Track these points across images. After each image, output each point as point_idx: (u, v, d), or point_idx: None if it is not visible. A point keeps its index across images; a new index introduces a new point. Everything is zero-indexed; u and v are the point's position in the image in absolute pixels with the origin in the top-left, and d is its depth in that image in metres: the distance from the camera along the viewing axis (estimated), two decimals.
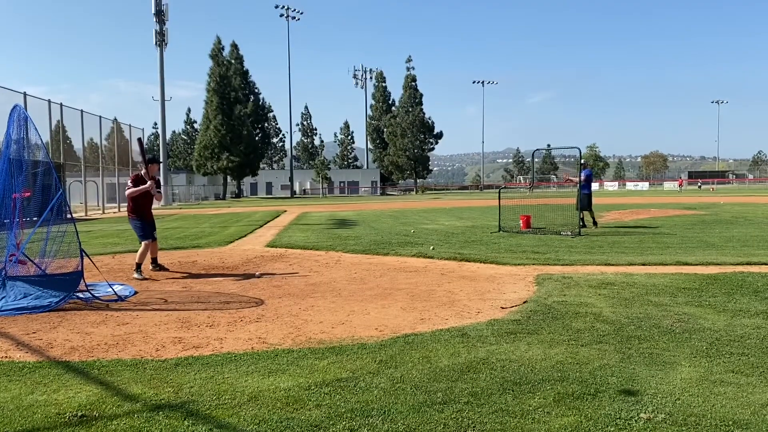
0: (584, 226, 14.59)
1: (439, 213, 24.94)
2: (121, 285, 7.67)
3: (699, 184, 73.80)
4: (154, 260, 9.12)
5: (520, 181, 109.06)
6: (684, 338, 4.85)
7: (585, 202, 14.96)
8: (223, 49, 66.89)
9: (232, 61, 68.06)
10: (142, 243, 8.74)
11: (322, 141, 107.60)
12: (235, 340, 5.05)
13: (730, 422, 3.24)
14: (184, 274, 8.84)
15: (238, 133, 64.82)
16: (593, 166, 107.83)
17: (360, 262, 9.85)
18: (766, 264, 8.75)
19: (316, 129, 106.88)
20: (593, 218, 15.35)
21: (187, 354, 4.62)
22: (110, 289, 7.10)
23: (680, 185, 73.80)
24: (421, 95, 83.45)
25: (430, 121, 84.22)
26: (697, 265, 8.80)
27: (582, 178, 15.07)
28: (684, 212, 21.99)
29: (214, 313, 6.10)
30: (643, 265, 8.88)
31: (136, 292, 7.33)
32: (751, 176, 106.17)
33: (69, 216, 7.57)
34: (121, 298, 6.87)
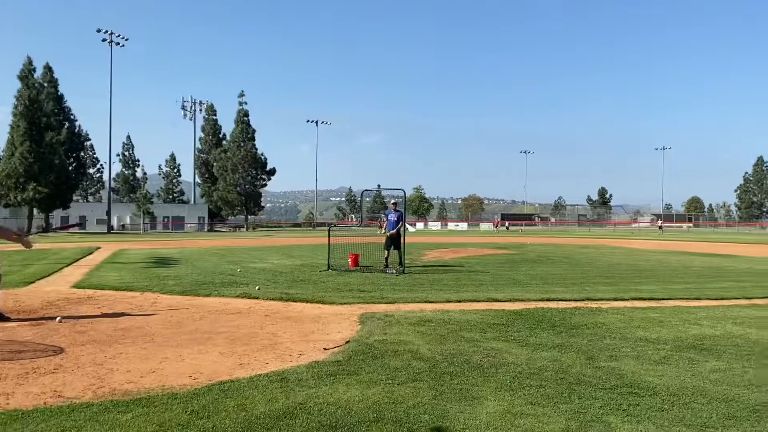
0: (387, 265, 14.86)
1: (269, 251, 24.56)
2: None
3: (507, 225, 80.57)
4: None
5: (351, 219, 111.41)
6: (491, 373, 5.16)
7: (395, 241, 15.17)
8: (34, 70, 61.08)
9: (45, 84, 62.39)
10: None
11: (145, 173, 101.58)
12: (24, 394, 4.47)
13: None
14: None
15: (48, 162, 59.09)
16: (418, 207, 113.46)
17: (179, 304, 9.32)
18: (563, 300, 9.68)
19: (138, 160, 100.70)
20: (401, 259, 15.46)
21: None
22: None
23: (496, 225, 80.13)
24: (254, 130, 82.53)
25: (262, 157, 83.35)
26: (505, 301, 9.51)
27: (393, 218, 15.33)
28: (496, 252, 23.79)
29: (1, 365, 5.37)
30: (459, 302, 9.41)
31: None
32: (553, 219, 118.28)
33: None
34: None
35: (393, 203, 16.21)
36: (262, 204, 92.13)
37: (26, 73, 60.10)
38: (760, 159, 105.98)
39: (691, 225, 79.75)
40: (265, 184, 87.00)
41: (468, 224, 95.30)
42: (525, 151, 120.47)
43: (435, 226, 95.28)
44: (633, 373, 5.22)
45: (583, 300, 9.72)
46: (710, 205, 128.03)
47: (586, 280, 12.78)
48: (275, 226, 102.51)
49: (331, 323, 7.62)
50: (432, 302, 9.34)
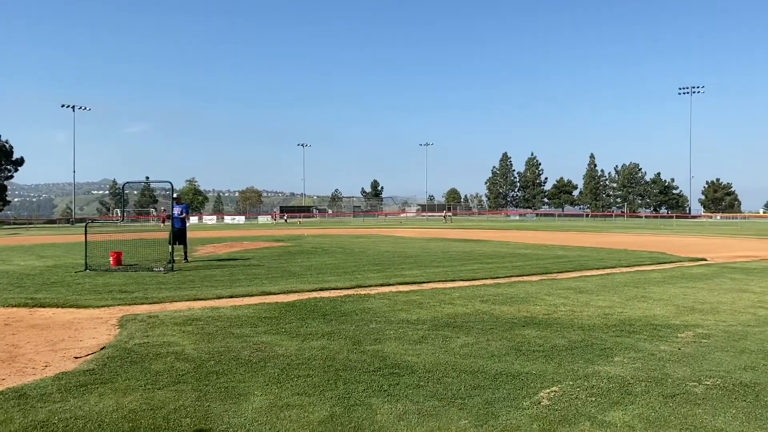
0: (171, 261, 14.32)
1: (15, 251, 21.61)
2: None
3: (285, 218, 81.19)
4: None
5: (117, 214, 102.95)
6: (260, 367, 5.10)
7: (179, 236, 14.84)
8: None
9: None
10: None
11: None
12: None
13: None
14: None
15: None
16: (192, 200, 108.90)
17: None
18: (335, 288, 9.98)
19: None
20: (185, 253, 15.28)
21: None
22: None
23: (274, 218, 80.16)
24: None
25: (7, 145, 73.30)
26: (279, 293, 9.51)
27: (177, 212, 14.93)
28: (273, 244, 23.76)
29: None
30: (231, 297, 9.19)
31: None
32: (330, 211, 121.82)
33: None
34: None
35: (175, 197, 15.38)
36: (8, 198, 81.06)
37: None
38: (505, 155, 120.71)
39: (450, 214, 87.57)
40: (12, 176, 76.78)
41: (246, 217, 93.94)
42: (303, 144, 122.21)
43: (210, 220, 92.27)
44: (394, 354, 5.55)
45: (354, 287, 10.11)
46: (466, 195, 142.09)
47: (358, 268, 13.33)
48: (25, 223, 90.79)
49: (86, 329, 6.93)
50: (201, 299, 8.99)
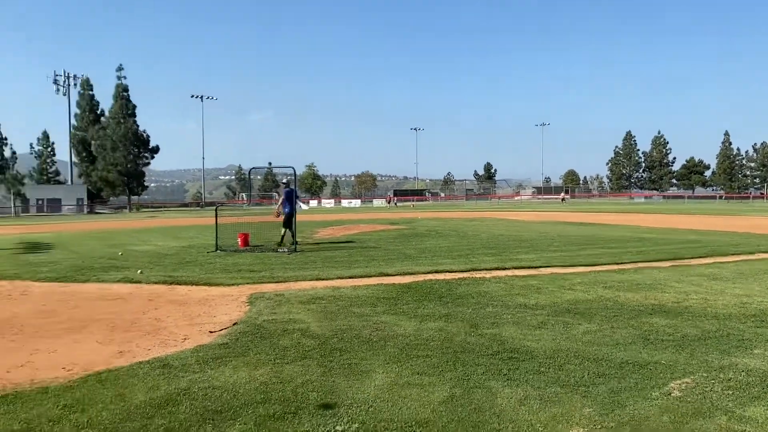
0: (280, 244, 14.80)
1: (154, 233, 23.51)
2: None
3: (395, 201, 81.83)
4: None
5: (242, 198, 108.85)
6: (380, 346, 5.24)
7: (285, 220, 15.14)
8: None
9: None
10: None
11: (14, 152, 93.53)
12: None
13: (414, 423, 3.56)
14: None
15: None
16: (311, 185, 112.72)
17: (53, 292, 8.72)
18: (449, 271, 9.99)
19: (6, 139, 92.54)
20: (293, 237, 15.50)
21: None
22: None
23: (389, 201, 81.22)
24: (135, 106, 78.16)
25: (145, 134, 79.32)
26: (395, 275, 9.68)
27: (283, 197, 15.23)
28: (388, 227, 24.13)
29: None
30: (350, 278, 9.46)
31: None
32: (443, 194, 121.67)
33: None
34: None
35: (284, 182, 15.97)
36: (146, 184, 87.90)
37: None
38: (629, 134, 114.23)
39: (568, 196, 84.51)
40: (149, 163, 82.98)
41: (361, 201, 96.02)
42: (416, 128, 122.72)
43: (329, 203, 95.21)
44: (513, 339, 5.49)
45: (468, 270, 10.08)
46: (585, 177, 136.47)
47: (472, 252, 13.26)
48: (161, 207, 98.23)
49: (219, 305, 7.43)
50: (323, 279, 9.33)
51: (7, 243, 19.03)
